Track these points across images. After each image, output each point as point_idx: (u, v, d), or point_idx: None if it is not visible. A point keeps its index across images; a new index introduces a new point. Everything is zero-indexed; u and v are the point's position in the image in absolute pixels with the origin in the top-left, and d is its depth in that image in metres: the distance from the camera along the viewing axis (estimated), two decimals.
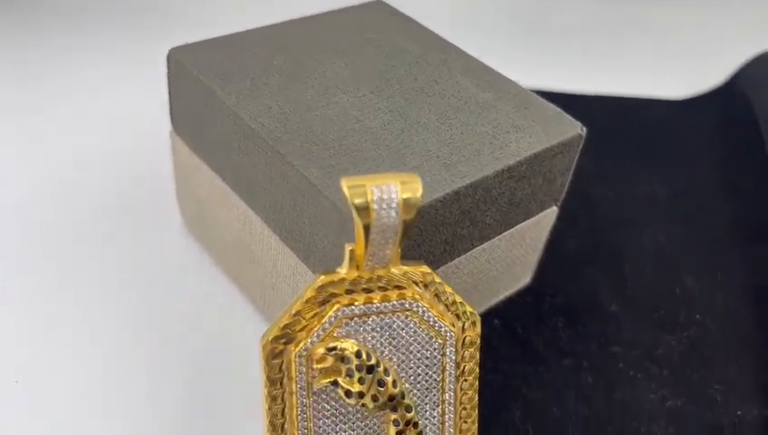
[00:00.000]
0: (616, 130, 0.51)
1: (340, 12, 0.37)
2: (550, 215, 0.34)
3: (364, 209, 0.23)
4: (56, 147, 0.43)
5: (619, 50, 0.62)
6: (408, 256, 0.27)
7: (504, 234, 0.32)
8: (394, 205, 0.23)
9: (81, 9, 0.59)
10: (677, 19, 0.68)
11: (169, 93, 0.34)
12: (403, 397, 0.25)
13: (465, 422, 0.27)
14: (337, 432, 0.25)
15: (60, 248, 0.36)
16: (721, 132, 0.50)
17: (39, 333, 0.32)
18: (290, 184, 0.27)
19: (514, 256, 0.34)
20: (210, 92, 0.30)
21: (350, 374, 0.24)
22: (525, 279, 0.37)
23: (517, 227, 0.32)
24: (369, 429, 0.25)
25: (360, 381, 0.24)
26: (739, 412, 0.32)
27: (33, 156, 0.42)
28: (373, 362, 0.24)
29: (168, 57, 0.32)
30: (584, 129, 0.31)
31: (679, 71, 0.59)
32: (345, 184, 0.23)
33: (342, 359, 0.24)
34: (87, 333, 0.32)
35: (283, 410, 0.25)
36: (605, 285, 0.38)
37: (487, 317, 0.35)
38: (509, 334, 0.35)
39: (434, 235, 0.28)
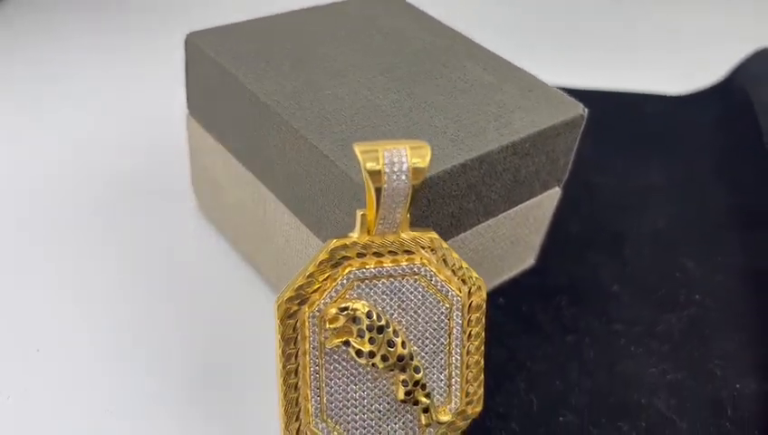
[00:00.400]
0: (619, 123, 0.52)
1: (349, 2, 0.39)
2: (553, 196, 0.35)
3: (376, 173, 0.24)
4: (76, 137, 0.45)
5: (622, 47, 0.64)
6: (416, 226, 0.28)
7: (508, 211, 0.33)
8: (404, 169, 0.24)
9: (93, 11, 0.61)
10: (679, 17, 0.69)
11: (186, 77, 0.35)
12: (412, 358, 0.26)
13: (472, 386, 0.28)
14: (348, 392, 0.26)
15: (80, 232, 0.38)
16: (720, 126, 0.51)
17: (60, 308, 0.33)
18: (303, 157, 0.29)
19: (519, 235, 0.35)
20: (226, 73, 0.32)
21: (361, 334, 0.25)
22: (529, 260, 0.38)
23: (521, 205, 0.34)
24: (379, 389, 0.26)
25: (371, 340, 0.25)
26: (738, 386, 0.33)
27: (54, 144, 0.44)
28: (383, 322, 0.25)
29: (186, 41, 0.34)
30: (586, 110, 0.33)
31: (681, 67, 0.60)
32: (358, 149, 0.24)
33: (354, 319, 0.25)
34: (105, 312, 0.33)
35: (297, 369, 0.26)
36: (607, 266, 0.39)
37: (493, 296, 0.36)
38: (514, 312, 0.36)
39: (441, 207, 0.29)
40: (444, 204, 0.29)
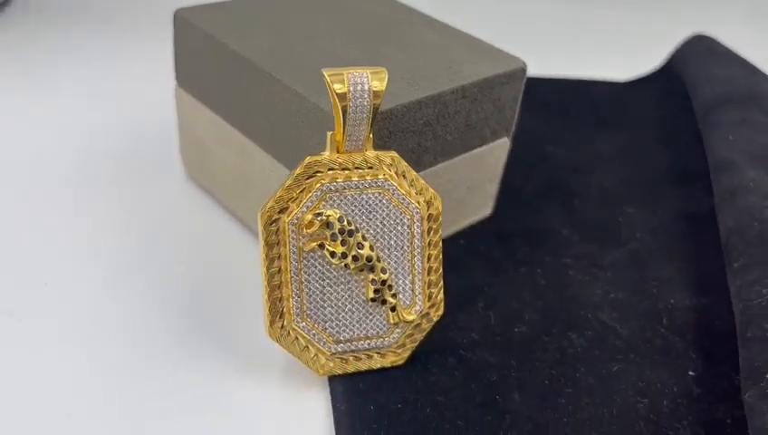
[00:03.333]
0: (572, 105, 0.57)
1: None
2: (503, 146, 0.40)
3: (342, 95, 0.28)
4: (77, 116, 0.49)
5: (579, 42, 0.70)
6: None
7: (463, 155, 0.37)
8: (366, 89, 0.28)
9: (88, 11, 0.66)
10: (628, 17, 0.77)
11: (174, 50, 0.39)
12: (379, 260, 0.30)
13: (434, 290, 0.31)
14: (324, 293, 0.30)
15: (83, 196, 0.41)
16: (659, 102, 0.57)
17: (65, 254, 0.37)
18: (281, 100, 0.33)
19: (474, 181, 0.39)
20: (211, 39, 0.36)
21: (333, 238, 0.29)
22: (486, 210, 0.42)
23: (474, 151, 0.38)
24: (352, 291, 0.30)
25: (343, 243, 0.29)
26: (672, 301, 0.37)
27: (58, 122, 0.48)
28: (353, 227, 0.29)
29: (175, 16, 0.38)
30: (526, 64, 0.37)
31: (631, 58, 0.66)
32: (326, 73, 0.28)
33: (327, 224, 0.29)
34: (98, 265, 0.37)
35: (279, 271, 0.29)
36: (557, 215, 0.43)
37: (453, 238, 0.40)
38: (472, 251, 0.40)
39: (402, 141, 0.33)
40: (404, 138, 0.33)
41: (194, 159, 0.42)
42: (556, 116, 0.55)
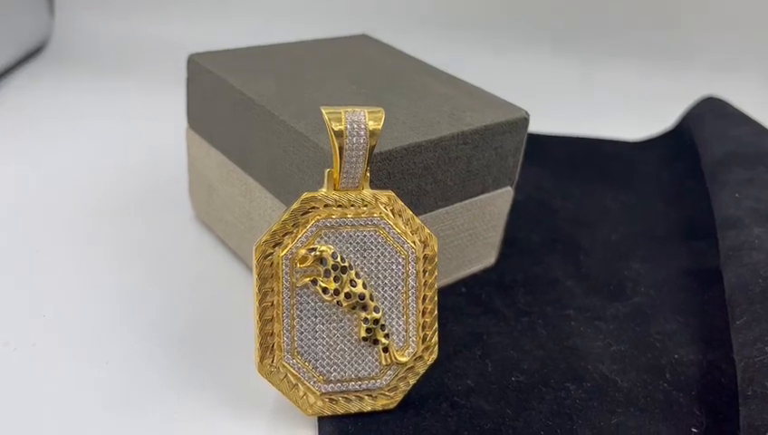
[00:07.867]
0: (581, 162, 0.57)
1: (331, 39, 0.45)
2: (506, 195, 0.40)
3: (339, 133, 0.29)
4: (97, 155, 0.51)
5: (592, 103, 0.72)
6: None
7: (464, 202, 0.37)
8: (363, 127, 0.29)
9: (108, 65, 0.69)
10: (638, 79, 0.78)
11: (187, 94, 0.40)
12: (372, 299, 0.30)
13: (428, 332, 0.31)
14: (316, 331, 0.30)
15: (87, 228, 0.42)
16: (669, 161, 0.57)
17: (71, 285, 0.37)
18: (282, 139, 0.34)
19: (476, 229, 0.39)
20: (220, 80, 0.37)
21: (326, 274, 0.29)
22: (490, 259, 0.42)
23: (476, 198, 0.38)
24: (344, 329, 0.30)
25: (336, 279, 0.29)
26: (676, 356, 0.36)
27: (78, 159, 0.50)
28: (347, 264, 0.29)
29: (189, 60, 0.39)
30: (528, 114, 0.38)
31: (641, 119, 0.67)
32: (325, 111, 0.29)
33: (321, 260, 0.29)
34: (96, 298, 0.37)
35: (271, 305, 0.29)
36: (562, 267, 0.43)
37: (455, 285, 0.40)
38: (474, 299, 0.39)
39: (401, 183, 0.33)
40: (403, 180, 0.33)
41: (201, 199, 0.43)
42: (565, 172, 0.55)
